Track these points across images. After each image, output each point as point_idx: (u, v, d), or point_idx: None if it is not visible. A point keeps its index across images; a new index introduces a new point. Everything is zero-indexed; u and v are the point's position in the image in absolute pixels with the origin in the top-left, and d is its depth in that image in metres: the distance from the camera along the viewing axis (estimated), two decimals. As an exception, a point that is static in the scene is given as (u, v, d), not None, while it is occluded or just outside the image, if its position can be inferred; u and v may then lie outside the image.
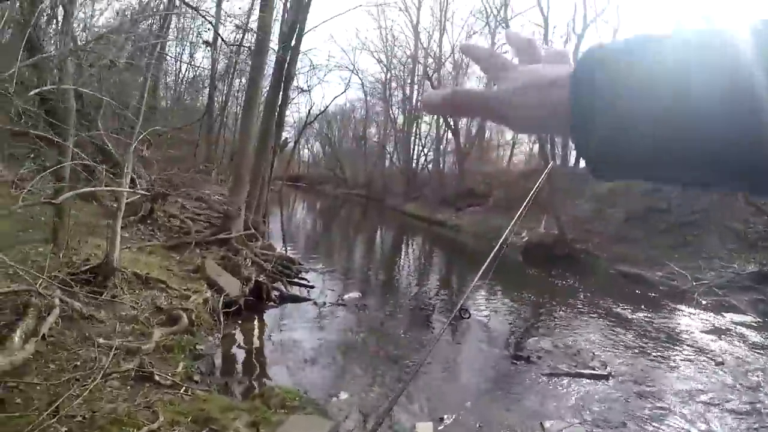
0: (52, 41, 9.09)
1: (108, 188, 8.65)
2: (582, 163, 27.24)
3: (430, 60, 48.54)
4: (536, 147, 35.03)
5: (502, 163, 50.81)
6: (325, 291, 12.73)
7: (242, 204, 14.22)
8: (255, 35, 16.48)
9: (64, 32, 9.98)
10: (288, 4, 19.45)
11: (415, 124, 53.29)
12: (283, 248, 15.32)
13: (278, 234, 22.60)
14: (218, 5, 29.53)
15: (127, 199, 11.52)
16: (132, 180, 14.18)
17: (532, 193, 5.16)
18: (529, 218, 29.49)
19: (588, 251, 25.04)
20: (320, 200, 52.98)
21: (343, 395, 7.02)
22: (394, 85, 54.96)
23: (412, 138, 53.70)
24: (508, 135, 53.53)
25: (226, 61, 32.60)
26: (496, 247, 4.60)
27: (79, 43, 15.55)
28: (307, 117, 39.66)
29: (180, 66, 34.99)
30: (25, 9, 9.24)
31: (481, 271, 4.63)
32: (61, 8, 10.61)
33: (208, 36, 29.28)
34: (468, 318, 11.34)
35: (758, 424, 7.75)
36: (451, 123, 44.76)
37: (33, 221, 10.41)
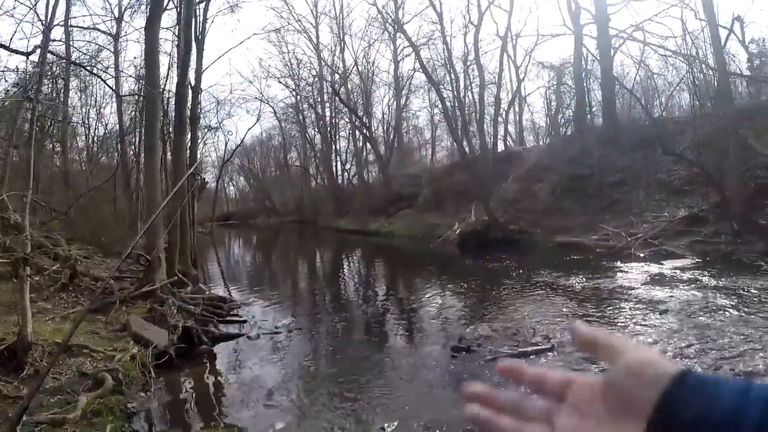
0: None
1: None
2: (501, 147, 27.81)
3: (336, 76, 48.84)
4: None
5: (426, 162, 51.32)
6: (259, 323, 12.59)
7: (160, 252, 14.00)
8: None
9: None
10: (179, 46, 19.36)
11: (333, 142, 53.52)
12: (225, 288, 15.17)
13: (217, 275, 22.39)
14: (116, 58, 29.28)
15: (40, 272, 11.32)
16: (38, 247, 13.89)
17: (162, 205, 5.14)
18: (459, 210, 30.00)
19: (521, 230, 25.54)
20: (254, 234, 52.51)
21: (279, 425, 6.93)
22: (305, 106, 55.01)
23: (333, 155, 53.89)
24: (427, 134, 54.35)
25: (133, 113, 32.19)
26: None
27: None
28: (224, 154, 39.41)
29: (89, 126, 34.49)
30: None
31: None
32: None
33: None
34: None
35: (709, 363, 7.91)
36: (366, 132, 45.05)
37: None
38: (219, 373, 9.54)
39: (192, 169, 9.44)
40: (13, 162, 15.05)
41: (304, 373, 9.25)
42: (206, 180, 31.20)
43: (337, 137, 54.60)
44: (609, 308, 11.54)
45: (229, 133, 62.53)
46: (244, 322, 12.84)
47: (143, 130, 20.78)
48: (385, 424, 6.71)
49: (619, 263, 16.77)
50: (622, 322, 10.42)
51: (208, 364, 10.04)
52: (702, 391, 0.59)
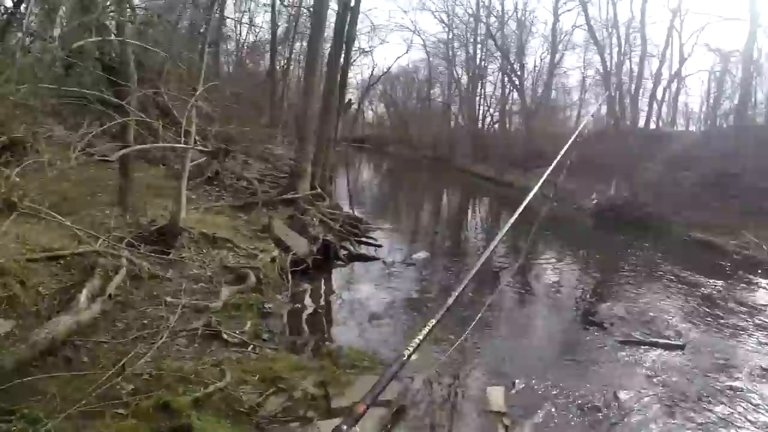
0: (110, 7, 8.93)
1: (167, 145, 8.51)
2: (653, 125, 26.16)
3: (493, 18, 47.53)
4: (604, 108, 33.56)
5: (570, 124, 49.59)
6: (393, 250, 12.59)
7: (308, 164, 14.08)
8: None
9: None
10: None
11: (479, 84, 52.40)
12: (350, 208, 15.21)
13: (344, 194, 22.56)
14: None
15: (192, 160, 11.53)
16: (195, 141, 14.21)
17: (567, 145, 4.52)
18: (599, 181, 28.83)
19: (659, 215, 24.26)
20: (385, 161, 52.69)
21: (413, 355, 6.77)
22: (456, 44, 53.82)
23: (477, 98, 52.92)
24: (575, 95, 52.32)
25: (286, 25, 32.46)
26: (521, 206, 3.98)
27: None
28: (370, 78, 39.33)
29: (240, 31, 35.00)
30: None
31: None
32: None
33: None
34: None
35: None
36: (516, 82, 43.87)
37: (102, 186, 10.41)
38: (353, 291, 9.61)
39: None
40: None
41: (434, 308, 9.08)
42: (351, 100, 31.23)
43: (485, 81, 53.38)
44: (744, 323, 10.35)
45: (376, 65, 61.50)
46: (380, 246, 12.86)
47: (306, 42, 20.89)
48: (516, 380, 6.50)
49: (756, 277, 15.47)
50: (757, 340, 9.38)
51: (342, 280, 10.12)
52: None
